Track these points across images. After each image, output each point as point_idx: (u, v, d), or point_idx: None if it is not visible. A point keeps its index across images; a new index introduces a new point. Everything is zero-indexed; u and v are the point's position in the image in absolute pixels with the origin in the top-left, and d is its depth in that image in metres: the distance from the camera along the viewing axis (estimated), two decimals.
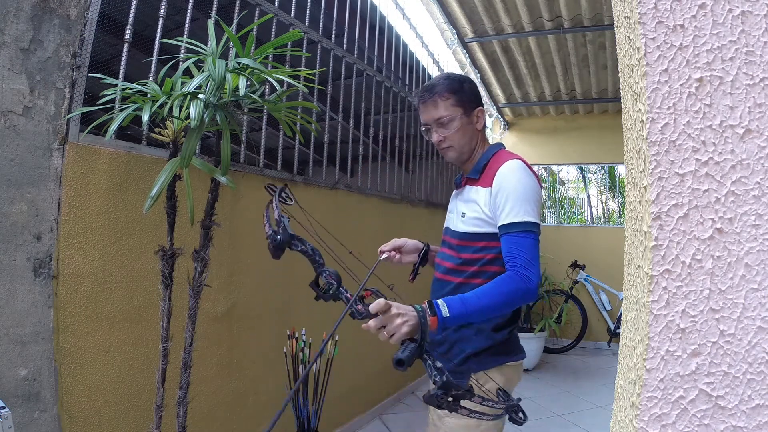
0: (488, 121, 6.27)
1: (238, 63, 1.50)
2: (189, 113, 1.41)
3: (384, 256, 1.46)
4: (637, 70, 0.54)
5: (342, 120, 3.15)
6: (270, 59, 1.84)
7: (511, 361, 1.37)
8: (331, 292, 1.07)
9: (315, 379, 2.30)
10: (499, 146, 1.46)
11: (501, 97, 5.87)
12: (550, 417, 3.60)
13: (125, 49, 1.81)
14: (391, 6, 3.74)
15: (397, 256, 1.49)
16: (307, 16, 2.70)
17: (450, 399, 0.97)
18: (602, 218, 8.14)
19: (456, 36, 4.50)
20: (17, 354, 1.46)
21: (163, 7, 1.95)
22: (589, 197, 7.38)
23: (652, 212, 0.52)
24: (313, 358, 2.32)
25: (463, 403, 0.98)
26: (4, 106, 1.43)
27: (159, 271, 1.62)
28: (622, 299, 5.27)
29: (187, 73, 1.60)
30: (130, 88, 1.54)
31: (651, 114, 0.52)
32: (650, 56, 0.52)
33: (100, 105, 1.58)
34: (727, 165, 0.50)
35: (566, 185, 7.57)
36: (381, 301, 1.05)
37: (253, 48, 1.57)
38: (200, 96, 1.44)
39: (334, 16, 3.04)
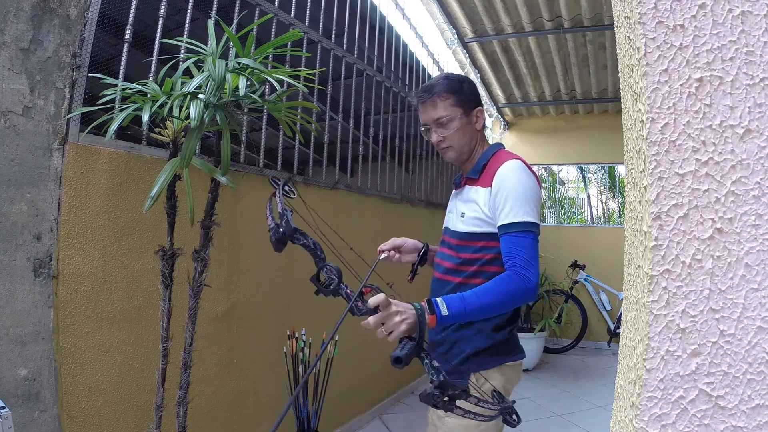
0: (488, 121, 6.27)
1: (238, 63, 1.50)
2: (189, 113, 1.41)
3: (383, 255, 1.46)
4: (637, 70, 0.54)
5: (342, 120, 3.15)
6: (270, 59, 1.84)
7: (510, 361, 1.37)
8: (331, 287, 1.07)
9: (315, 379, 2.30)
10: (499, 146, 1.46)
11: (501, 97, 5.87)
12: (550, 417, 3.60)
13: (125, 49, 1.81)
14: (391, 6, 3.74)
15: (397, 255, 1.49)
16: (307, 16, 2.70)
17: (446, 398, 0.97)
18: (602, 218, 8.14)
19: (456, 36, 4.50)
20: (17, 354, 1.46)
21: (163, 7, 1.95)
22: (589, 197, 7.38)
23: (652, 212, 0.52)
24: (313, 359, 2.33)
25: (458, 403, 0.98)
26: (4, 106, 1.43)
27: (159, 271, 1.62)
28: (622, 299, 5.28)
29: (187, 73, 1.60)
30: (130, 88, 1.54)
31: (651, 114, 0.52)
32: (650, 56, 0.52)
33: (100, 105, 1.58)
34: (727, 165, 0.50)
35: (566, 185, 7.57)
36: (381, 295, 1.05)
37: (253, 48, 1.57)
38: (200, 96, 1.44)
39: (334, 16, 3.04)
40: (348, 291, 1.06)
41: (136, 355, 1.80)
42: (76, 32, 1.62)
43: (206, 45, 1.57)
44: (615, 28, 0.61)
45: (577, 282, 5.69)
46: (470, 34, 4.56)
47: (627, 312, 0.59)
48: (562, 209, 7.22)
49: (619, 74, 0.61)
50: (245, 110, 1.68)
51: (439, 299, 1.14)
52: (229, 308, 2.21)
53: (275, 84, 1.55)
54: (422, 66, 4.41)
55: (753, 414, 0.48)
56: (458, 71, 4.71)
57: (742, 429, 0.48)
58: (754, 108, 0.49)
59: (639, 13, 0.52)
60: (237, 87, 1.39)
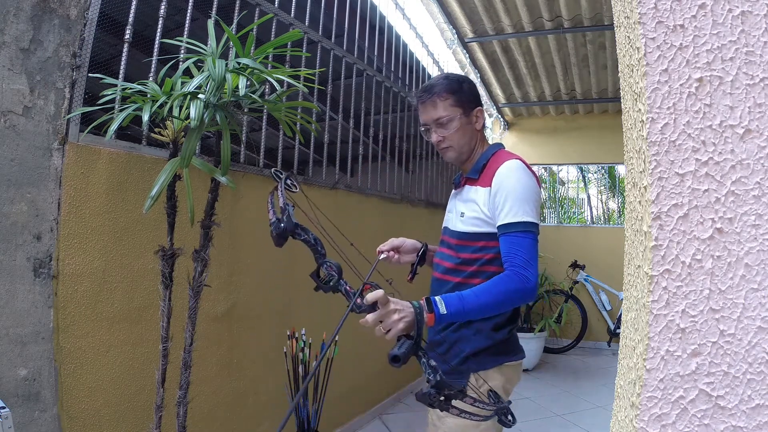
0: (488, 121, 6.27)
1: (238, 63, 1.50)
2: (189, 113, 1.41)
3: (383, 256, 1.46)
4: (637, 70, 0.54)
5: (342, 120, 3.15)
6: (270, 59, 1.84)
7: (510, 361, 1.37)
8: (331, 283, 1.06)
9: (315, 379, 2.30)
10: (499, 146, 1.46)
11: (501, 97, 5.87)
12: (550, 417, 3.60)
13: (125, 49, 1.81)
14: (391, 6, 3.74)
15: (396, 256, 1.49)
16: (307, 16, 2.70)
17: (442, 398, 0.97)
18: (602, 218, 8.14)
19: (456, 36, 4.50)
20: (17, 354, 1.46)
21: (163, 7, 1.95)
22: (589, 197, 7.38)
23: (652, 212, 0.52)
24: (314, 359, 2.32)
25: (454, 402, 0.98)
26: (4, 106, 1.43)
27: (159, 271, 1.62)
28: (622, 299, 5.27)
29: (187, 73, 1.60)
30: (130, 88, 1.54)
31: (651, 114, 0.52)
32: (650, 56, 0.52)
33: (100, 105, 1.58)
34: (727, 165, 0.50)
35: (566, 185, 7.57)
36: (379, 291, 1.05)
37: (253, 48, 1.57)
38: (200, 96, 1.44)
39: (334, 16, 3.04)
40: (347, 288, 1.06)
41: (136, 355, 1.80)
42: (76, 32, 1.62)
43: (206, 45, 1.57)
44: (615, 28, 0.61)
45: (577, 282, 5.69)
46: (470, 34, 4.56)
47: (627, 312, 0.59)
48: (562, 209, 7.22)
49: (619, 74, 0.61)
50: (245, 110, 1.68)
51: (437, 298, 1.14)
52: (229, 308, 2.21)
53: (275, 84, 1.55)
54: (422, 66, 4.41)
55: (753, 414, 0.48)
56: (458, 71, 4.71)
57: (742, 429, 0.48)
58: (754, 108, 0.49)
59: (639, 13, 0.52)
60: (237, 87, 1.39)
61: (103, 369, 1.70)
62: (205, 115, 1.44)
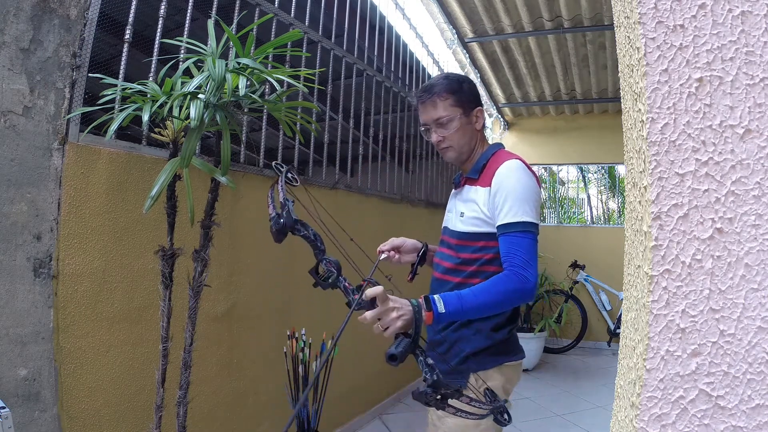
0: (488, 121, 6.27)
1: (238, 63, 1.50)
2: (189, 113, 1.41)
3: (383, 256, 1.46)
4: (637, 70, 0.54)
5: (342, 120, 3.15)
6: (270, 59, 1.84)
7: (510, 361, 1.37)
8: (330, 280, 1.06)
9: (315, 379, 2.30)
10: (499, 146, 1.46)
11: (501, 97, 5.87)
12: (550, 417, 3.60)
13: (125, 49, 1.81)
14: (391, 6, 3.74)
15: (397, 256, 1.49)
16: (307, 16, 2.70)
17: (438, 397, 0.97)
18: (602, 218, 8.14)
19: (456, 36, 4.50)
20: (17, 354, 1.46)
21: (163, 7, 1.95)
22: (589, 197, 7.38)
23: (652, 212, 0.52)
24: (314, 360, 2.32)
25: (450, 401, 0.98)
26: (4, 106, 1.43)
27: (159, 271, 1.62)
28: (622, 299, 5.27)
29: (187, 73, 1.60)
30: (130, 88, 1.54)
31: (651, 114, 0.52)
32: (650, 56, 0.52)
33: (100, 105, 1.58)
34: (727, 165, 0.50)
35: (566, 185, 7.57)
36: (379, 288, 1.04)
37: (253, 48, 1.57)
38: (200, 96, 1.44)
39: (334, 16, 3.04)
40: (346, 284, 1.06)
41: (136, 355, 1.80)
42: (76, 32, 1.62)
43: (206, 45, 1.57)
44: (615, 28, 0.61)
45: (577, 282, 5.69)
46: (470, 34, 4.56)
47: (627, 312, 0.59)
48: (562, 209, 7.22)
49: (619, 74, 0.61)
50: (245, 110, 1.68)
51: (436, 296, 1.14)
52: (229, 308, 2.21)
53: (275, 84, 1.55)
54: (422, 66, 4.41)
55: (753, 414, 0.48)
56: (458, 71, 4.71)
57: (742, 429, 0.48)
58: (754, 108, 0.49)
59: (639, 13, 0.52)
60: (237, 87, 1.39)
61: (103, 369, 1.70)
62: (205, 115, 1.44)
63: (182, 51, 1.92)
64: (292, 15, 2.58)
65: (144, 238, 1.82)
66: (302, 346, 2.24)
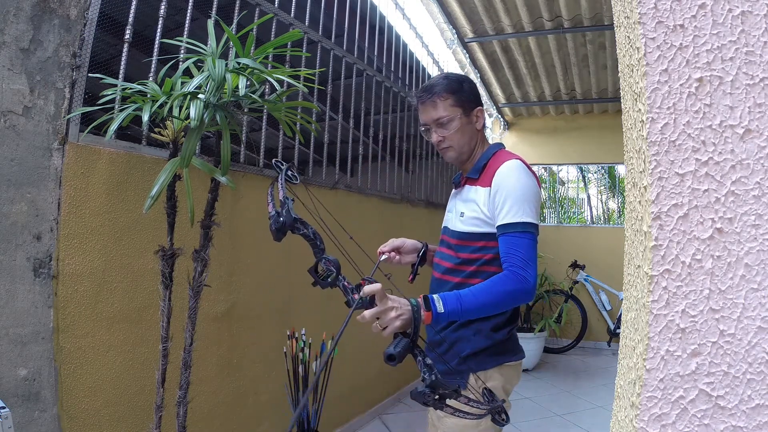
0: (488, 121, 6.27)
1: (238, 63, 1.50)
2: (189, 113, 1.41)
3: (384, 257, 1.45)
4: (637, 70, 0.54)
5: (342, 120, 3.15)
6: (270, 59, 1.84)
7: (510, 361, 1.37)
8: (329, 279, 1.06)
9: (315, 381, 2.30)
10: (499, 146, 1.46)
11: (501, 97, 5.87)
12: (550, 417, 3.60)
13: (125, 49, 1.81)
14: (391, 6, 3.74)
15: (397, 257, 1.49)
16: (307, 16, 2.70)
17: (436, 397, 0.96)
18: (602, 218, 8.14)
19: (456, 36, 4.50)
20: (17, 354, 1.46)
21: (163, 7, 1.95)
22: (589, 197, 7.38)
23: (652, 212, 0.52)
24: (314, 360, 2.33)
25: (448, 401, 0.98)
26: (4, 106, 1.43)
27: (159, 271, 1.62)
28: (622, 299, 5.27)
29: (187, 73, 1.60)
30: (130, 88, 1.54)
31: (651, 114, 0.52)
32: (650, 56, 0.52)
33: (100, 105, 1.58)
34: (727, 165, 0.50)
35: (566, 185, 7.57)
36: (377, 285, 1.04)
37: (253, 48, 1.57)
38: (200, 96, 1.44)
39: (334, 16, 3.04)
40: (345, 283, 1.06)
41: (136, 355, 1.80)
42: (76, 32, 1.62)
43: (206, 45, 1.57)
44: (615, 28, 0.61)
45: (577, 282, 5.69)
46: (470, 34, 4.56)
47: (627, 312, 0.59)
48: (562, 209, 7.22)
49: (619, 74, 0.61)
50: (245, 110, 1.68)
51: (435, 296, 1.14)
52: (229, 308, 2.21)
53: (275, 84, 1.55)
54: (422, 66, 4.41)
55: (753, 414, 0.48)
56: (458, 71, 4.71)
57: (742, 429, 0.48)
58: (754, 108, 0.49)
59: (639, 13, 0.52)
60: (237, 87, 1.39)
61: (103, 369, 1.70)
62: (205, 115, 1.44)
63: (182, 51, 1.92)
64: (292, 15, 2.58)
65: (144, 238, 1.82)
66: (302, 346, 2.24)
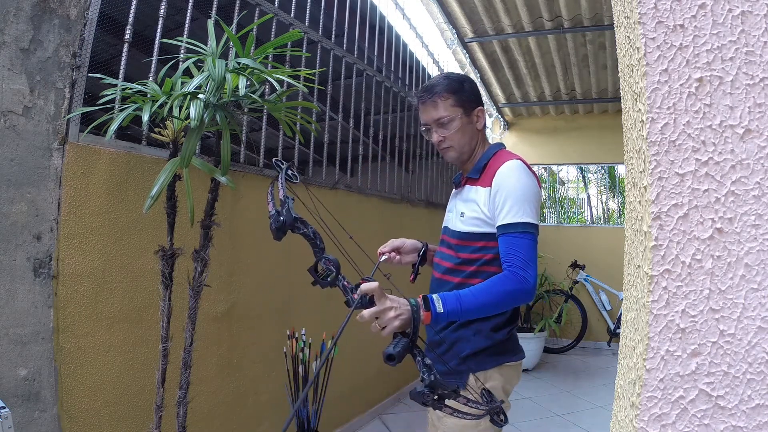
0: (488, 121, 6.27)
1: (238, 63, 1.50)
2: (189, 113, 1.41)
3: (384, 257, 1.45)
4: (637, 70, 0.54)
5: (342, 120, 3.15)
6: (270, 59, 1.84)
7: (510, 362, 1.37)
8: (329, 279, 1.06)
9: (315, 378, 2.30)
10: (500, 146, 1.46)
11: (501, 97, 5.87)
12: (550, 417, 3.60)
13: (125, 49, 1.81)
14: (391, 6, 3.74)
15: (398, 257, 1.49)
16: (307, 16, 2.70)
17: (435, 397, 0.96)
18: (602, 218, 8.14)
19: (456, 36, 4.50)
20: (17, 354, 1.46)
21: (163, 7, 1.95)
22: (589, 197, 7.38)
23: (652, 212, 0.52)
24: (314, 360, 2.33)
25: (447, 402, 0.98)
26: (4, 106, 1.43)
27: (159, 271, 1.62)
28: (622, 299, 5.27)
29: (187, 73, 1.60)
30: (130, 88, 1.54)
31: (651, 114, 0.52)
32: (650, 56, 0.52)
33: (100, 105, 1.58)
34: (727, 165, 0.50)
35: (566, 185, 7.57)
36: (374, 283, 1.04)
37: (253, 48, 1.57)
38: (200, 96, 1.44)
39: (334, 16, 3.04)
40: (345, 283, 1.06)
41: (136, 355, 1.80)
42: (76, 32, 1.62)
43: (206, 45, 1.57)
44: (615, 28, 0.61)
45: (577, 282, 5.69)
46: (470, 34, 4.56)
47: (627, 312, 0.59)
48: (562, 209, 7.22)
49: (619, 74, 0.61)
50: (245, 110, 1.68)
51: (435, 296, 1.14)
52: (229, 308, 2.21)
53: (275, 84, 1.55)
54: (422, 66, 4.41)
55: (753, 414, 0.48)
56: (458, 71, 4.71)
57: (742, 429, 0.48)
58: (754, 108, 0.49)
59: (639, 13, 0.52)
60: (237, 87, 1.39)
61: (103, 369, 1.70)
62: (205, 115, 1.44)
63: (182, 51, 1.92)
64: (292, 15, 2.58)
65: (144, 238, 1.82)
66: (302, 346, 2.24)
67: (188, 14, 2.04)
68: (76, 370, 1.62)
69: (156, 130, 1.70)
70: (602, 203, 9.00)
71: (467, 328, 1.35)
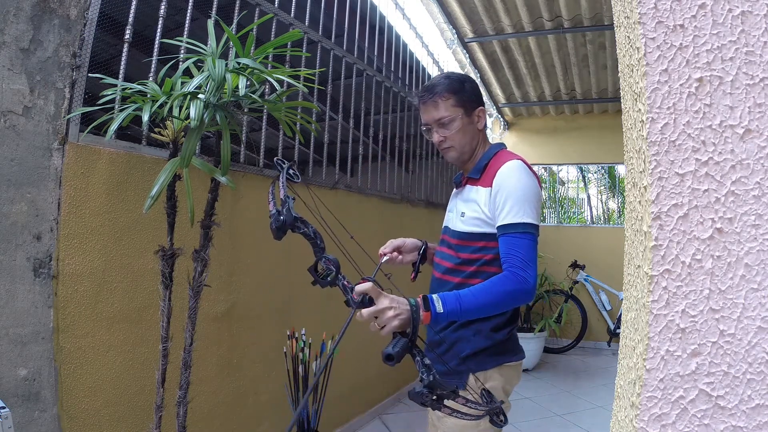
0: (488, 121, 6.27)
1: (238, 63, 1.50)
2: (189, 113, 1.41)
3: (385, 258, 1.45)
4: (637, 70, 0.54)
5: (342, 120, 3.15)
6: (270, 59, 1.84)
7: (510, 362, 1.37)
8: (329, 278, 1.06)
9: (315, 383, 2.30)
10: (501, 146, 1.45)
11: (501, 97, 5.87)
12: (550, 417, 3.60)
13: (125, 49, 1.81)
14: (391, 6, 3.74)
15: (399, 257, 1.49)
16: (307, 16, 2.70)
17: (434, 397, 0.96)
18: (602, 218, 8.14)
19: (456, 36, 4.50)
20: (17, 354, 1.46)
21: (163, 7, 1.95)
22: (589, 197, 7.38)
23: (652, 212, 0.52)
24: (314, 360, 2.32)
25: (446, 402, 0.98)
26: (4, 106, 1.43)
27: (159, 271, 1.62)
28: (622, 299, 5.27)
29: (187, 73, 1.60)
30: (130, 88, 1.54)
31: (651, 114, 0.52)
32: (650, 56, 0.52)
33: (100, 105, 1.58)
34: (727, 165, 0.50)
35: (566, 185, 7.57)
36: (368, 284, 1.04)
37: (253, 48, 1.57)
38: (200, 96, 1.44)
39: (334, 16, 3.04)
40: (345, 283, 1.06)
41: (136, 355, 1.80)
42: (76, 32, 1.62)
43: (206, 45, 1.57)
44: (615, 28, 0.61)
45: (577, 282, 5.69)
46: (470, 34, 4.56)
47: (627, 312, 0.59)
48: (562, 209, 7.22)
49: (619, 74, 0.61)
50: (245, 110, 1.68)
51: (434, 296, 1.14)
52: (229, 308, 2.21)
53: (275, 84, 1.55)
54: (422, 66, 4.41)
55: (753, 414, 0.48)
56: (458, 71, 4.70)
57: (742, 429, 0.48)
58: (754, 108, 0.49)
59: (639, 13, 0.52)
60: (237, 87, 1.39)
61: (103, 369, 1.70)
62: (205, 115, 1.44)
63: (182, 51, 1.92)
64: (292, 15, 2.58)
65: (144, 238, 1.82)
66: (302, 346, 2.24)
67: (188, 14, 2.04)
68: (76, 370, 1.62)
69: (156, 130, 1.70)
70: (602, 203, 9.00)
71: (467, 328, 1.35)
